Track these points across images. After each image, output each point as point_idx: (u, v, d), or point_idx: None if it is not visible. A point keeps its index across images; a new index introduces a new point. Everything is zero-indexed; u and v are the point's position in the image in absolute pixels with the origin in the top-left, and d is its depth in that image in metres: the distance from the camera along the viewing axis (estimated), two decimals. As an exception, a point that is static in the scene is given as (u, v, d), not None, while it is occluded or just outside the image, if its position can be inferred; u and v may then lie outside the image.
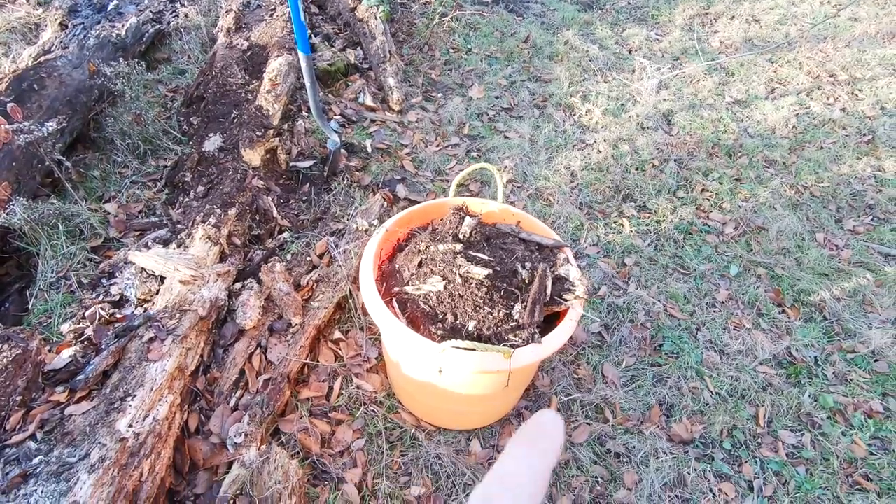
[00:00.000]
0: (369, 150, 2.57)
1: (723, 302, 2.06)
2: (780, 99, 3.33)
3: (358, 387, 1.65)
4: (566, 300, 1.37)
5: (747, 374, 1.81)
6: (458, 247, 1.36)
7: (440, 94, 3.11)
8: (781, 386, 1.79)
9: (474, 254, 1.37)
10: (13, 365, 1.21)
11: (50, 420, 1.19)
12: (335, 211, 2.14)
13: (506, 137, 2.84)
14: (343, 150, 2.40)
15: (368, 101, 2.87)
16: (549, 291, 1.37)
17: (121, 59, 2.46)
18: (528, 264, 1.40)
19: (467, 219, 1.44)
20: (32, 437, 1.14)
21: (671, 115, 3.09)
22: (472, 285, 1.31)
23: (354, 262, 1.89)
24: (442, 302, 1.33)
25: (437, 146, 2.74)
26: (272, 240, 2.04)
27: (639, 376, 1.79)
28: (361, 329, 1.79)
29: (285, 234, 2.06)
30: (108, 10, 3.17)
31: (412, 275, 1.40)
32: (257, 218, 2.06)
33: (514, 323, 1.30)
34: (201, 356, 1.52)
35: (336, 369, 1.68)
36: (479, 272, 1.30)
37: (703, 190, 2.57)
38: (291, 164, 2.31)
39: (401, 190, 2.39)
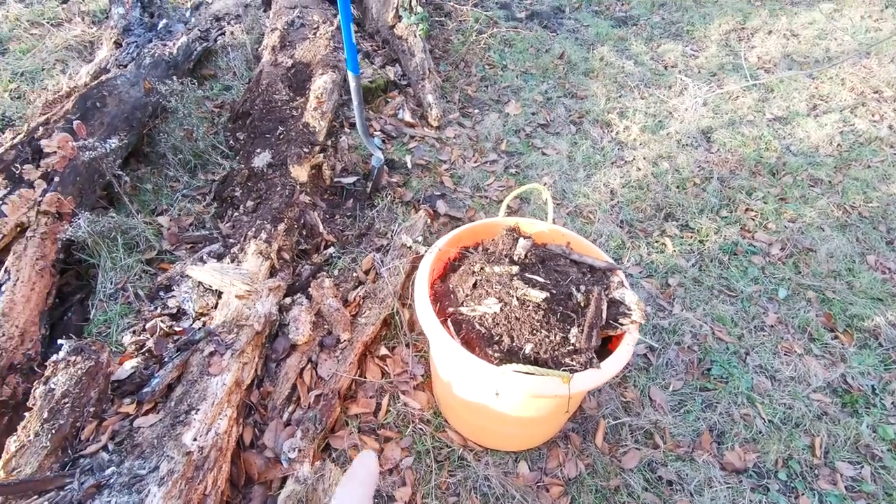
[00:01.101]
0: (409, 165, 2.60)
1: (772, 326, 2.02)
2: (823, 116, 3.26)
3: (405, 404, 1.66)
4: (622, 324, 1.36)
5: (801, 401, 1.76)
6: (515, 269, 1.37)
7: (477, 111, 3.14)
8: (837, 415, 1.74)
9: (530, 276, 1.37)
10: (87, 377, 1.25)
11: (120, 431, 1.23)
12: (379, 227, 2.17)
13: (543, 154, 2.85)
14: (385, 167, 2.44)
15: (407, 117, 2.91)
16: (604, 315, 1.36)
17: (174, 78, 2.55)
18: (582, 287, 1.40)
19: (521, 240, 1.45)
20: (105, 448, 1.18)
21: (710, 132, 3.06)
22: (528, 308, 1.32)
23: (400, 278, 1.91)
24: (498, 324, 1.33)
25: (475, 162, 2.76)
26: (318, 255, 2.08)
27: (687, 401, 1.76)
28: (407, 346, 1.81)
29: (331, 249, 2.09)
30: (159, 28, 3.30)
31: (467, 295, 1.41)
32: (304, 233, 2.10)
33: (571, 347, 1.30)
34: (255, 370, 1.55)
35: (383, 386, 1.70)
36: (537, 295, 1.31)
37: (746, 209, 2.53)
38: (335, 179, 2.36)
39: (441, 206, 2.41)
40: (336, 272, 1.97)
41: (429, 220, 2.23)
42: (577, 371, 1.24)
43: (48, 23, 3.46)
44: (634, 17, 4.39)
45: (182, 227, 2.18)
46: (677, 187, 2.62)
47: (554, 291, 1.36)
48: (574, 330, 1.31)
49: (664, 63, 3.77)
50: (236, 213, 2.16)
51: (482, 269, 1.41)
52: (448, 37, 3.67)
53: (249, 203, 2.14)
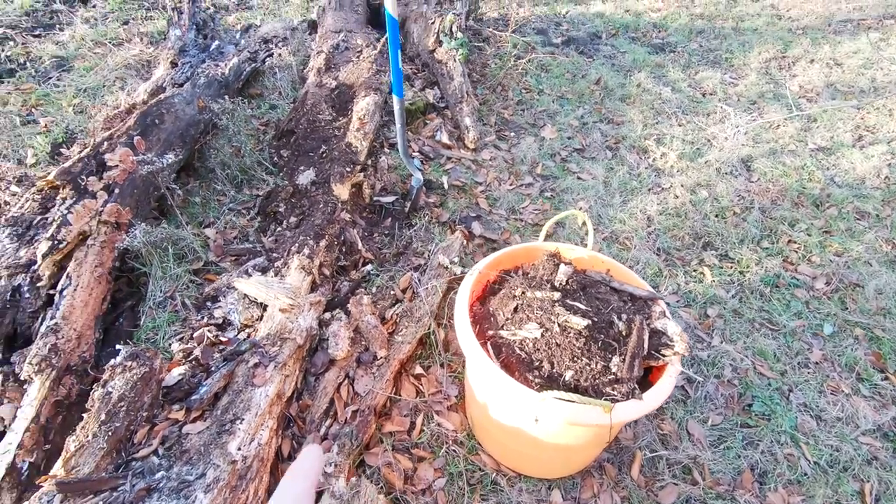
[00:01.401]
0: (446, 186, 2.65)
1: (817, 363, 1.95)
2: (870, 147, 3.18)
3: (438, 424, 1.67)
4: (664, 355, 1.35)
5: (849, 444, 1.69)
6: (556, 295, 1.38)
7: (513, 134, 3.18)
8: (889, 461, 1.66)
9: (572, 302, 1.37)
10: (141, 382, 1.31)
11: (169, 437, 1.27)
12: (417, 246, 2.21)
13: (579, 178, 2.85)
14: (423, 187, 2.49)
15: (445, 139, 2.97)
16: (646, 345, 1.35)
17: (226, 97, 2.68)
18: (623, 316, 1.40)
19: (562, 266, 1.46)
20: (155, 452, 1.23)
21: (751, 161, 3.02)
22: (570, 335, 1.32)
23: (436, 298, 1.93)
24: (538, 349, 1.33)
25: (511, 185, 2.79)
26: (356, 271, 2.12)
27: (727, 437, 1.71)
28: (442, 366, 1.82)
29: (369, 267, 2.14)
30: (211, 49, 3.47)
31: (507, 319, 1.42)
32: (343, 250, 2.16)
33: (612, 376, 1.29)
34: (296, 383, 1.59)
35: (417, 405, 1.71)
36: (579, 322, 1.31)
37: (789, 241, 2.47)
38: (375, 198, 2.42)
39: (476, 227, 2.44)
40: (374, 290, 2.00)
41: (464, 241, 2.25)
42: (618, 401, 1.23)
43: (110, 42, 3.69)
44: (672, 44, 4.39)
45: (227, 239, 2.27)
46: (716, 216, 2.59)
47: (595, 319, 1.36)
48: (615, 359, 1.31)
49: (702, 90, 3.75)
50: (279, 228, 2.23)
51: (523, 293, 1.43)
52: (486, 61, 3.74)
53: (293, 219, 2.21)
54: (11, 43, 3.58)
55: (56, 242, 1.73)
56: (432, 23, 3.49)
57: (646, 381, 1.39)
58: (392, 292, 1.99)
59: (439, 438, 1.64)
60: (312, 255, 1.95)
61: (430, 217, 2.39)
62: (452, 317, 1.95)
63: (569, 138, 3.17)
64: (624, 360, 1.30)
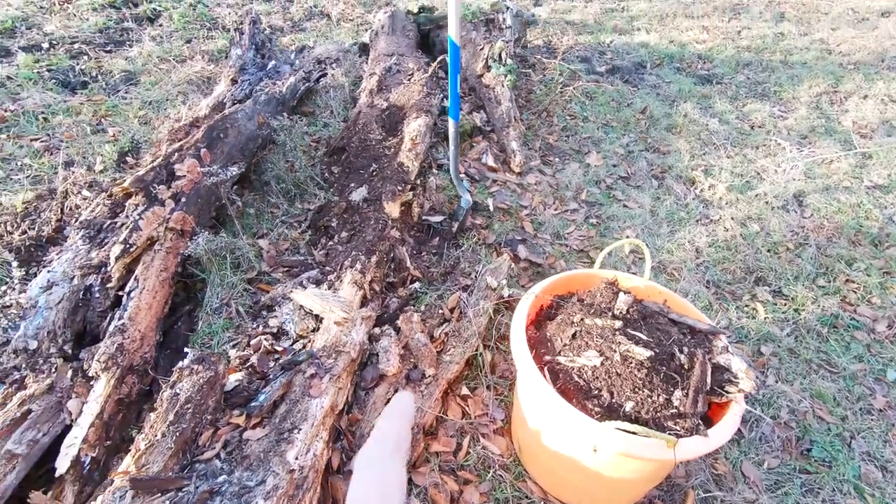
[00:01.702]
0: (491, 209, 2.67)
1: (881, 410, 1.86)
2: (930, 187, 3.07)
3: (484, 447, 1.66)
4: (728, 392, 1.31)
5: (918, 499, 1.60)
6: (618, 324, 1.36)
7: (557, 159, 3.20)
8: (963, 520, 1.56)
9: (633, 332, 1.36)
10: (206, 386, 1.35)
11: (231, 441, 1.30)
12: (464, 266, 2.23)
13: (625, 206, 2.84)
14: (470, 208, 2.52)
15: (491, 161, 3.01)
16: (709, 380, 1.32)
17: (284, 114, 2.79)
18: (685, 349, 1.37)
19: (622, 295, 1.45)
20: (218, 455, 1.26)
21: (803, 196, 2.95)
22: (631, 365, 1.30)
23: (484, 319, 1.94)
24: (597, 378, 1.32)
25: (556, 210, 2.79)
26: (404, 288, 2.15)
27: (785, 482, 1.64)
28: (488, 388, 1.81)
29: (416, 285, 2.16)
30: (268, 68, 3.63)
31: (565, 345, 1.41)
32: (392, 266, 2.19)
33: (675, 410, 1.26)
34: (347, 397, 1.60)
35: (464, 426, 1.70)
36: (641, 352, 1.29)
37: (847, 280, 2.39)
38: (423, 217, 2.46)
39: (521, 251, 2.45)
40: (422, 308, 2.02)
41: (511, 264, 2.26)
42: (681, 436, 1.20)
43: (174, 59, 3.90)
44: (718, 75, 4.37)
45: (279, 250, 2.33)
46: (768, 251, 2.53)
47: (657, 350, 1.34)
48: (677, 392, 1.28)
49: (750, 123, 3.70)
50: (330, 243, 2.29)
51: (582, 320, 1.42)
52: (531, 87, 3.80)
53: (344, 234, 2.27)
54: (85, 57, 3.82)
55: (127, 246, 1.82)
56: (481, 49, 3.57)
57: (704, 417, 1.36)
58: (440, 311, 2.01)
59: (485, 462, 1.62)
60: (364, 270, 1.99)
61: (478, 238, 2.41)
62: (500, 339, 1.96)
63: (614, 166, 3.17)
64: (687, 394, 1.27)
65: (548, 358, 1.41)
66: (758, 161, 3.23)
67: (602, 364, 1.32)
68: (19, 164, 2.70)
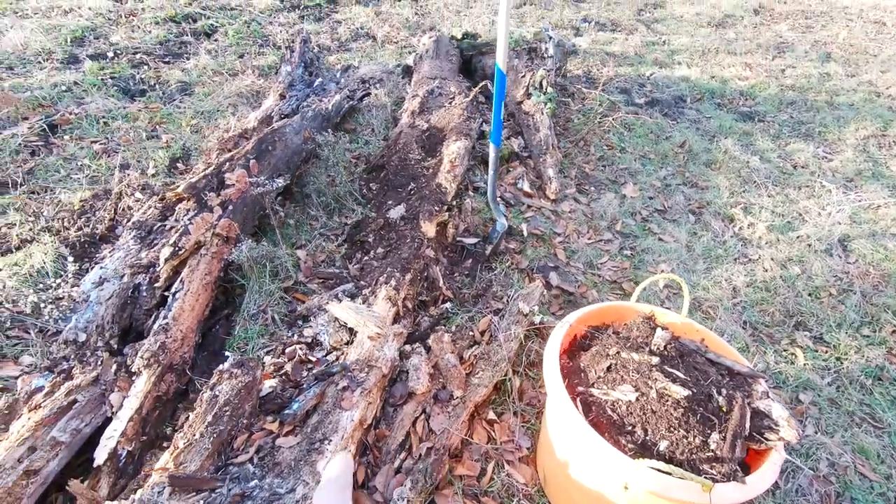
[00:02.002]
0: (525, 234, 2.68)
1: (929, 471, 1.77)
2: None
3: (509, 475, 1.64)
4: (768, 440, 1.27)
5: (970, 571, 1.50)
6: (655, 360, 1.35)
7: (593, 188, 3.20)
8: None
9: (670, 370, 1.34)
10: (244, 390, 1.39)
11: (264, 447, 1.33)
12: (496, 290, 2.24)
13: (660, 240, 2.81)
14: (506, 233, 2.54)
15: (526, 187, 3.03)
16: (748, 425, 1.29)
17: (328, 130, 2.88)
18: (723, 390, 1.34)
19: (660, 331, 1.43)
20: (251, 460, 1.28)
21: (848, 240, 2.86)
22: (667, 403, 1.28)
23: (514, 345, 1.93)
24: (632, 413, 1.30)
25: (589, 239, 2.78)
26: (436, 308, 2.17)
27: (823, 539, 1.57)
28: (515, 414, 1.80)
29: (447, 305, 2.18)
30: (315, 86, 3.77)
31: (599, 377, 1.40)
32: (425, 285, 2.22)
33: (711, 453, 1.23)
34: (376, 412, 1.62)
35: (489, 451, 1.69)
36: (679, 391, 1.27)
37: (894, 331, 2.30)
38: (458, 238, 2.49)
39: (554, 277, 2.44)
40: (453, 328, 2.03)
41: (544, 291, 2.26)
42: (718, 481, 1.17)
43: (226, 72, 4.09)
44: (760, 112, 4.32)
45: (316, 262, 2.39)
46: (810, 295, 2.46)
47: (694, 390, 1.31)
48: (715, 435, 1.25)
49: (793, 162, 3.63)
50: (366, 258, 2.33)
51: (618, 353, 1.41)
52: (570, 116, 3.83)
53: (380, 249, 2.31)
54: (146, 67, 4.05)
55: (176, 249, 1.90)
56: (522, 76, 3.63)
57: (741, 464, 1.32)
58: (470, 333, 2.01)
59: (509, 490, 1.60)
60: (398, 287, 2.02)
61: (511, 263, 2.42)
62: (529, 366, 1.95)
63: (650, 198, 3.15)
64: (724, 437, 1.24)
65: (581, 389, 1.40)
66: (800, 202, 3.16)
67: (637, 400, 1.31)
68: (79, 164, 2.86)
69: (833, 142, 3.96)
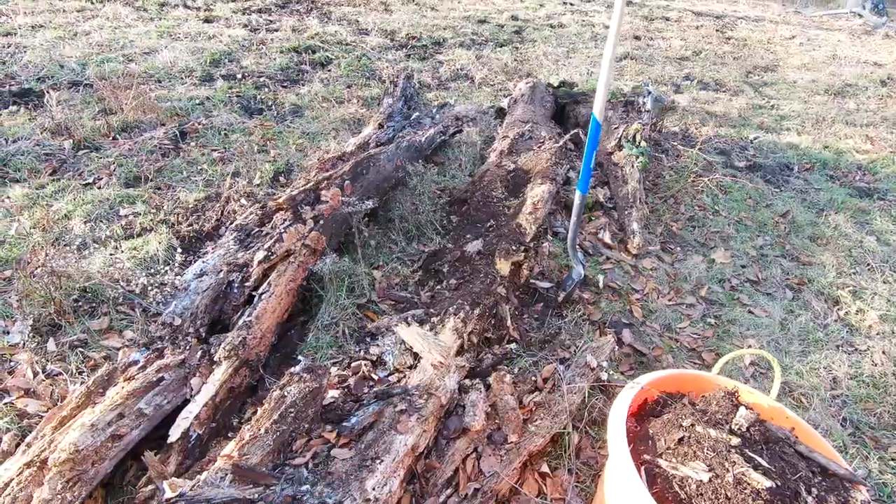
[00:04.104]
0: (601, 286, 2.60)
1: None
2: None
3: (556, 536, 1.55)
4: (866, 558, 1.11)
5: None
6: (735, 440, 1.24)
7: (678, 248, 3.06)
8: None
9: (752, 455, 1.22)
10: (310, 395, 1.45)
11: (319, 454, 1.37)
12: (564, 338, 2.18)
13: (750, 312, 2.60)
14: (581, 281, 2.48)
15: (607, 238, 2.96)
16: (842, 537, 1.13)
17: (419, 161, 3.03)
18: (814, 490, 1.20)
19: (743, 410, 1.32)
20: (306, 465, 1.33)
21: (982, 345, 2.48)
22: (745, 491, 1.16)
23: (577, 398, 1.86)
24: (702, 494, 1.20)
25: (670, 300, 2.64)
26: (500, 346, 2.15)
27: None
28: (570, 472, 1.71)
29: (513, 346, 2.15)
30: (412, 119, 3.99)
31: (668, 448, 1.31)
32: (493, 322, 2.21)
33: (794, 559, 1.09)
34: (428, 442, 1.61)
35: (538, 506, 1.61)
36: (761, 481, 1.15)
37: None
38: (531, 280, 2.47)
39: (626, 335, 2.34)
40: (516, 370, 2.00)
41: (615, 347, 2.16)
42: None
43: (334, 100, 4.45)
44: (881, 190, 3.94)
45: (390, 284, 2.47)
46: (929, 401, 2.14)
47: (779, 483, 1.18)
48: (800, 539, 1.11)
49: (918, 249, 3.25)
50: (438, 287, 2.38)
51: (693, 426, 1.31)
52: (660, 171, 3.72)
53: (453, 281, 2.35)
54: (266, 89, 4.51)
55: (269, 254, 2.06)
56: (616, 128, 3.61)
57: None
58: (533, 378, 1.96)
59: (555, 552, 1.51)
60: (466, 319, 2.03)
61: (583, 313, 2.35)
62: (591, 423, 1.86)
63: (742, 266, 2.95)
64: (811, 544, 1.10)
65: (646, 457, 1.31)
66: (923, 293, 2.80)
67: (710, 481, 1.20)
68: (199, 168, 3.21)
69: (970, 231, 3.50)
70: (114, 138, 3.40)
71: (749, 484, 1.17)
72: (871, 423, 2.05)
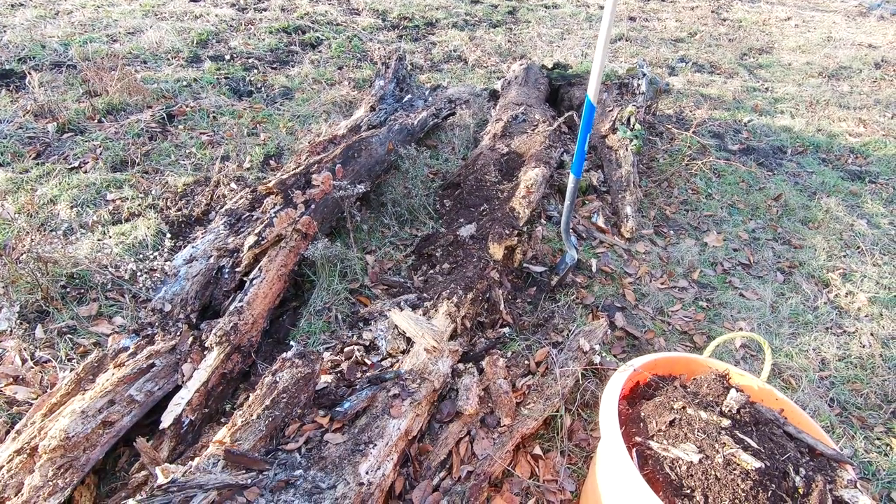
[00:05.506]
0: (594, 269, 2.61)
1: None
2: None
3: (548, 516, 1.57)
4: (852, 535, 1.13)
5: None
6: (725, 422, 1.25)
7: (672, 232, 3.06)
8: None
9: (742, 436, 1.24)
10: (303, 380, 1.44)
11: (312, 439, 1.37)
12: (558, 322, 2.18)
13: (742, 296, 2.62)
14: (574, 265, 2.48)
15: (601, 222, 2.95)
16: (828, 515, 1.15)
17: (411, 145, 2.98)
18: (801, 470, 1.21)
19: (734, 392, 1.33)
20: (299, 450, 1.33)
21: (968, 327, 2.51)
22: (734, 472, 1.18)
23: (570, 381, 1.87)
24: (692, 475, 1.21)
25: (663, 284, 2.65)
26: (493, 331, 2.15)
27: None
28: (562, 454, 1.73)
29: (506, 330, 2.15)
30: (404, 102, 3.93)
31: (659, 430, 1.32)
32: (486, 307, 2.20)
33: (781, 537, 1.11)
34: (422, 426, 1.62)
35: (530, 487, 1.63)
36: (749, 461, 1.17)
37: None
38: (524, 265, 2.46)
39: (619, 318, 2.35)
40: (509, 354, 2.00)
41: (608, 330, 2.17)
42: (786, 570, 1.05)
43: (325, 82, 4.36)
44: (872, 173, 3.95)
45: (383, 268, 2.46)
46: (915, 381, 2.18)
47: (767, 463, 1.20)
48: (787, 518, 1.13)
49: (907, 232, 3.27)
50: (431, 271, 2.36)
51: (684, 408, 1.32)
52: (654, 155, 3.70)
53: (446, 265, 2.34)
54: (255, 71, 4.41)
55: (260, 238, 2.03)
56: (610, 110, 3.57)
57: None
58: (526, 362, 1.97)
59: (547, 532, 1.53)
60: (460, 304, 2.02)
61: (576, 297, 2.36)
62: (583, 406, 1.88)
63: (735, 250, 2.96)
64: (798, 523, 1.12)
65: (638, 439, 1.32)
66: (912, 276, 2.83)
67: (700, 462, 1.21)
68: (187, 151, 3.15)
69: (959, 214, 3.52)
70: (99, 121, 3.32)
71: (738, 465, 1.18)
72: (858, 403, 2.08)
